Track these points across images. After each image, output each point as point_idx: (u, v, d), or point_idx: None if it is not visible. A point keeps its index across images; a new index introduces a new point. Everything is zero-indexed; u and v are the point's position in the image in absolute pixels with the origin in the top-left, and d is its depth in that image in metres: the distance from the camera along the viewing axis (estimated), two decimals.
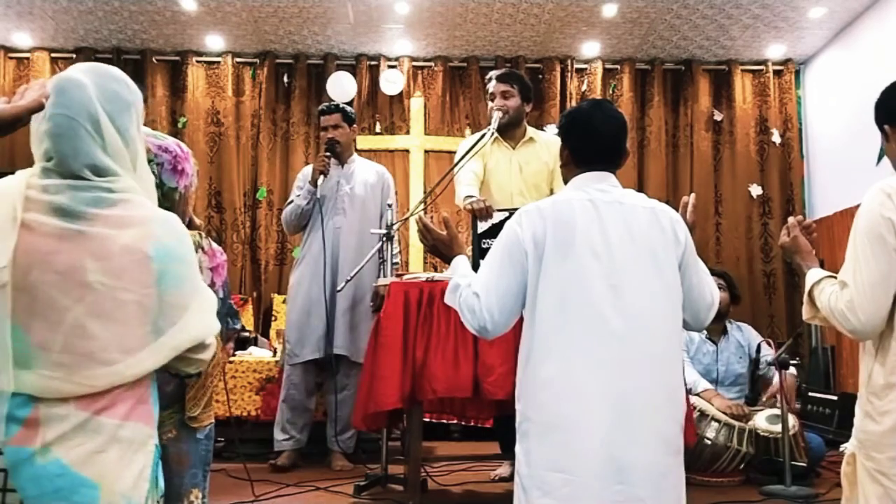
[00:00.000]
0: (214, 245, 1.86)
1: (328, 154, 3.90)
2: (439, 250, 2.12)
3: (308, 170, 4.04)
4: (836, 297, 1.79)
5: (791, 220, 2.08)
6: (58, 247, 1.30)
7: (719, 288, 3.86)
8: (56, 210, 1.32)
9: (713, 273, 3.89)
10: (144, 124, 5.07)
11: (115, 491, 1.28)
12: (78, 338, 1.29)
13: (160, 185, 1.79)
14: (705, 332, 3.89)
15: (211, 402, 1.83)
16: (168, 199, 1.81)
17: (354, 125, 4.10)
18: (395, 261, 3.93)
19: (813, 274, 1.92)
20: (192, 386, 1.75)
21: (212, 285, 1.80)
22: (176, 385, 1.74)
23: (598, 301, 1.77)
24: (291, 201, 3.99)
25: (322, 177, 3.83)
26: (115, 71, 1.51)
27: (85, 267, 1.30)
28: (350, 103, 5.72)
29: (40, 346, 1.28)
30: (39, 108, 1.28)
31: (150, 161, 1.79)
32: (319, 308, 3.82)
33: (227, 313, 1.88)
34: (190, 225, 1.92)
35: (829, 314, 1.81)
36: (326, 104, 4.15)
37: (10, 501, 1.26)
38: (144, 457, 1.35)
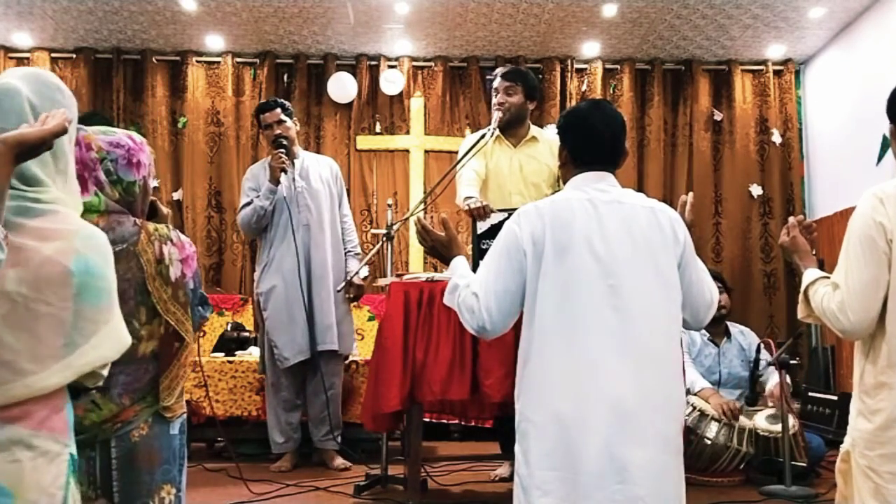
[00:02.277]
0: (183, 236, 1.86)
1: (282, 150, 3.84)
2: (438, 251, 2.12)
3: (255, 169, 4.02)
4: (829, 297, 1.84)
5: (791, 219, 2.10)
6: None
7: (720, 291, 3.88)
8: None
9: (711, 273, 3.90)
10: (144, 125, 5.06)
11: (27, 498, 1.27)
12: None
13: (118, 182, 1.78)
14: (707, 334, 3.89)
15: (183, 392, 1.83)
16: (129, 193, 1.80)
17: (295, 118, 4.06)
18: (355, 251, 4.04)
19: (809, 274, 1.96)
20: (165, 376, 1.75)
21: (182, 276, 1.80)
22: (150, 377, 1.74)
23: (598, 301, 1.77)
24: (247, 204, 3.89)
25: (283, 174, 3.80)
26: (52, 77, 1.48)
27: (5, 276, 1.28)
28: (350, 103, 5.75)
29: None
30: (63, 132, 1.27)
31: (102, 159, 1.78)
32: (299, 308, 3.79)
33: (199, 302, 1.89)
34: (154, 215, 1.92)
35: (822, 314, 1.86)
36: (265, 100, 4.13)
37: None
38: (57, 467, 1.33)
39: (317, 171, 4.01)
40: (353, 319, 4.15)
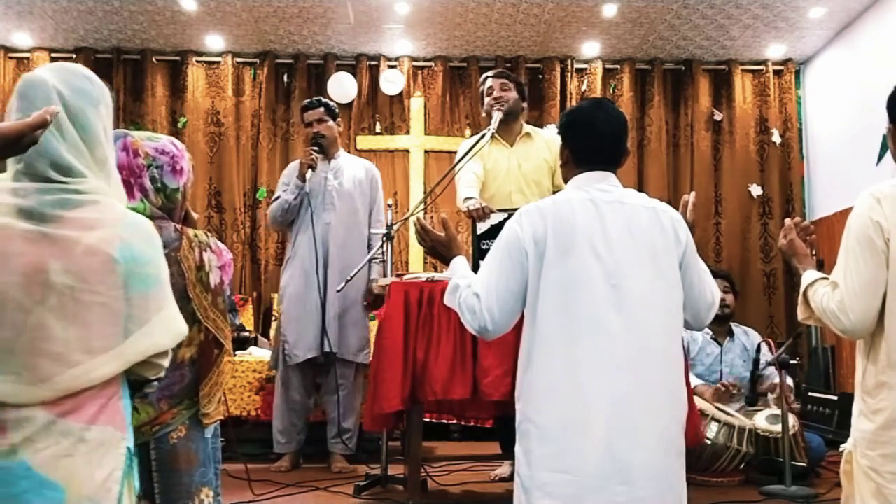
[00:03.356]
0: (220, 244, 1.87)
1: (314, 148, 3.88)
2: (437, 251, 2.12)
3: (293, 166, 4.03)
4: (828, 297, 1.84)
5: (787, 221, 2.10)
6: (22, 249, 1.29)
7: (726, 291, 3.88)
8: (22, 213, 1.32)
9: (716, 273, 3.91)
10: (144, 125, 5.07)
11: (81, 494, 1.27)
12: (41, 340, 1.28)
13: (162, 189, 1.79)
14: (710, 332, 3.90)
15: (221, 398, 1.84)
16: (171, 200, 1.81)
17: (338, 119, 4.09)
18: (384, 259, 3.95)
19: (808, 276, 1.97)
20: (205, 383, 1.76)
21: (221, 283, 1.81)
22: (188, 382, 1.75)
23: (600, 301, 1.77)
24: (278, 197, 3.95)
25: (310, 171, 3.82)
26: (81, 68, 1.48)
27: (48, 268, 1.29)
28: (350, 103, 5.75)
29: (3, 348, 1.27)
30: (43, 124, 1.27)
31: (148, 166, 1.79)
32: (313, 306, 3.80)
33: (230, 309, 1.89)
34: (187, 219, 1.92)
35: (822, 314, 1.86)
36: (309, 99, 4.14)
37: None
38: (114, 460, 1.33)
39: (352, 172, 4.01)
40: (367, 326, 4.02)
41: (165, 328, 1.41)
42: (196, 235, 1.79)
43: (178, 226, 1.80)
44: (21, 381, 1.26)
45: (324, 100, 4.10)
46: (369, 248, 3.90)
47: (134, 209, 1.73)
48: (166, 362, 1.44)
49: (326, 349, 3.77)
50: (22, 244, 1.29)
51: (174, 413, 1.72)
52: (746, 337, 3.98)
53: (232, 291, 1.89)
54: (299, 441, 3.86)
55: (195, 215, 2.00)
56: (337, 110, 4.11)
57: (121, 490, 1.33)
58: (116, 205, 1.42)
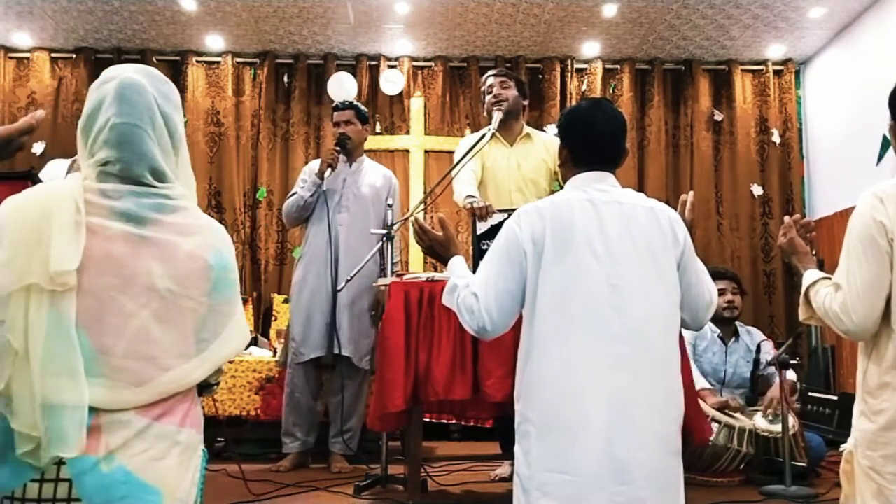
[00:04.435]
0: None
1: (338, 148, 3.88)
2: (436, 251, 2.12)
3: (314, 164, 4.01)
4: (830, 298, 1.83)
5: (787, 219, 2.08)
6: (124, 251, 1.30)
7: (734, 292, 3.88)
8: (121, 214, 1.32)
9: (724, 274, 3.88)
10: None
11: (176, 497, 1.29)
12: (141, 343, 1.29)
13: None
14: (718, 330, 3.90)
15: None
16: None
17: (367, 125, 4.08)
18: (394, 260, 3.93)
19: (809, 275, 1.95)
20: None
21: None
22: None
23: (598, 301, 1.77)
24: (294, 193, 3.94)
25: (329, 170, 3.80)
26: (160, 74, 1.52)
27: (152, 272, 1.30)
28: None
29: (102, 350, 1.27)
30: (30, 129, 1.27)
31: None
32: (323, 305, 3.80)
33: None
34: None
35: (824, 315, 1.85)
36: (341, 101, 4.14)
37: None
38: (196, 461, 1.36)
39: (371, 178, 4.00)
40: (373, 331, 3.93)
41: (242, 333, 1.45)
42: None
43: None
44: (117, 385, 1.27)
45: (355, 102, 4.10)
46: (381, 254, 3.89)
47: None
48: (225, 366, 1.49)
49: (335, 351, 3.77)
50: (123, 246, 1.30)
51: None
52: (750, 337, 3.98)
53: None
54: (305, 442, 3.84)
55: None
56: (367, 114, 4.09)
57: (197, 493, 1.36)
58: (199, 210, 1.45)
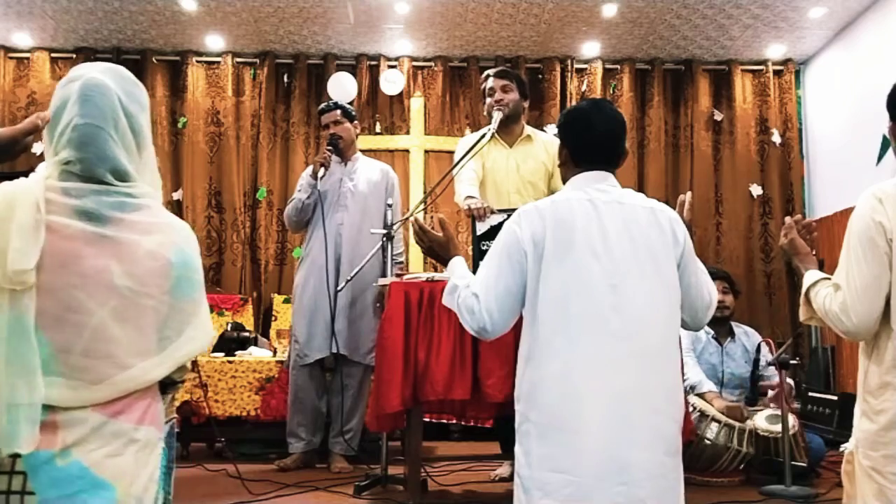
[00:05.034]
0: None
1: (330, 148, 3.90)
2: (435, 252, 2.12)
3: (311, 168, 4.04)
4: (830, 299, 1.83)
5: (788, 220, 2.08)
6: (83, 250, 1.30)
7: (725, 291, 3.88)
8: (81, 213, 1.32)
9: (715, 274, 3.89)
10: None
11: (130, 493, 1.30)
12: (100, 341, 1.30)
13: None
14: (712, 332, 3.90)
15: (173, 398, 1.85)
16: None
17: (356, 122, 4.10)
18: (399, 260, 3.93)
19: (810, 276, 1.95)
20: None
21: None
22: None
23: (599, 301, 1.77)
24: (294, 198, 3.98)
25: (323, 169, 3.82)
26: (126, 71, 1.52)
27: (111, 270, 1.31)
28: (350, 103, 5.73)
29: (61, 349, 1.28)
30: (34, 129, 1.27)
31: None
32: (324, 306, 3.81)
33: None
34: None
35: (824, 316, 1.85)
36: (326, 103, 4.15)
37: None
38: (155, 459, 1.37)
39: (367, 175, 4.01)
40: (376, 327, 3.99)
41: (206, 331, 1.45)
42: None
43: None
44: (75, 383, 1.27)
45: (340, 102, 4.12)
46: (384, 250, 3.91)
47: None
48: (189, 364, 1.48)
49: (334, 350, 3.77)
50: (83, 245, 1.31)
51: None
52: (747, 337, 3.98)
53: None
54: (310, 442, 3.84)
55: None
56: (354, 112, 4.11)
57: (157, 490, 1.37)
58: (163, 209, 1.45)
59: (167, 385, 1.48)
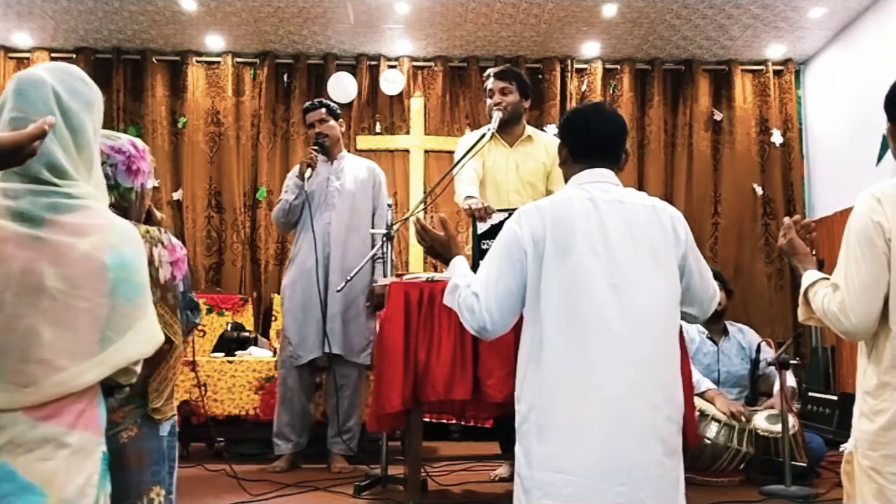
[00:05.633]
0: (174, 239, 1.86)
1: (316, 147, 3.89)
2: (437, 251, 2.13)
3: (297, 169, 4.04)
4: (829, 299, 1.83)
5: (786, 220, 2.08)
6: (14, 252, 1.28)
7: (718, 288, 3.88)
8: (15, 215, 1.30)
9: None
10: (144, 125, 5.05)
11: (61, 498, 1.27)
12: (31, 344, 1.27)
13: (115, 187, 1.78)
14: (706, 332, 3.89)
15: (173, 394, 1.83)
16: (125, 199, 1.80)
17: (340, 120, 4.09)
18: (383, 258, 3.94)
19: (809, 276, 1.96)
20: (154, 378, 1.75)
21: (172, 279, 1.80)
22: (138, 381, 1.74)
23: (600, 300, 1.77)
24: (281, 199, 3.97)
25: (309, 170, 3.82)
26: (77, 70, 1.48)
27: (42, 272, 1.29)
28: (350, 103, 5.75)
29: None
30: (42, 135, 1.26)
31: (103, 163, 1.78)
32: (315, 306, 3.80)
33: (186, 306, 1.88)
34: (150, 219, 1.92)
35: (823, 316, 1.85)
36: (310, 101, 4.15)
37: None
38: (92, 464, 1.33)
39: (354, 172, 4.00)
40: (370, 326, 3.95)
41: (148, 336, 1.42)
42: (147, 231, 1.79)
43: (131, 223, 1.79)
44: (7, 385, 1.26)
45: (325, 101, 4.11)
46: (373, 248, 3.89)
47: None
48: (139, 368, 1.44)
49: (327, 350, 3.77)
50: (14, 248, 1.29)
51: (124, 412, 1.71)
52: (742, 335, 3.98)
53: (188, 288, 1.88)
54: (298, 444, 3.84)
55: (160, 214, 1.99)
56: (339, 111, 4.11)
57: (98, 494, 1.33)
58: (105, 210, 1.41)
59: (113, 388, 1.45)
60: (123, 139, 1.85)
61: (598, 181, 1.92)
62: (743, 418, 3.50)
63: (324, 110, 3.98)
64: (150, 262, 1.75)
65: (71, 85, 1.42)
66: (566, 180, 2.01)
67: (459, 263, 2.03)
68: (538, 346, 1.80)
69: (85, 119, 1.42)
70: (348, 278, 3.48)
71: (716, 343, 3.90)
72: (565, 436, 1.73)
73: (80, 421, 1.32)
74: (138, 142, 1.89)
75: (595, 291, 1.77)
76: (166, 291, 1.78)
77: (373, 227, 3.94)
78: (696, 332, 3.87)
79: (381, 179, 4.07)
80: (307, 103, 4.13)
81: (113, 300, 1.35)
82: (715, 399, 3.59)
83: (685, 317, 1.98)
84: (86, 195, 1.38)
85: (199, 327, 4.41)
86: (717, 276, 3.94)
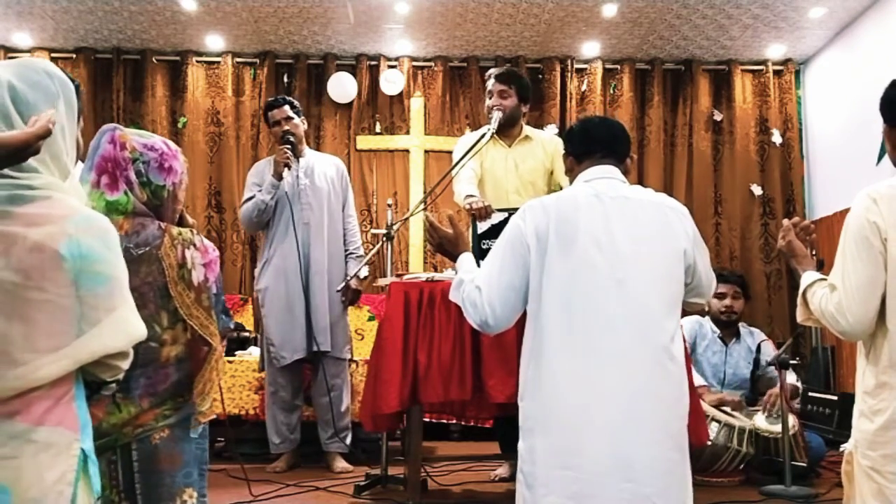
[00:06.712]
0: (206, 241, 1.85)
1: (288, 147, 3.85)
2: (445, 249, 2.15)
3: (260, 166, 4.03)
4: (826, 299, 1.84)
5: (786, 222, 2.10)
6: None
7: (735, 297, 3.90)
8: None
9: (727, 278, 3.89)
10: (144, 125, 5.06)
11: (28, 496, 1.23)
12: None
13: (147, 184, 1.78)
14: (718, 331, 3.91)
15: (214, 396, 1.83)
16: (157, 196, 1.80)
17: (302, 117, 4.07)
18: (358, 253, 4.00)
19: (807, 277, 1.97)
20: (199, 381, 1.75)
21: (205, 281, 1.79)
22: (172, 382, 1.74)
23: (604, 296, 1.78)
24: (249, 199, 3.89)
25: (287, 169, 3.81)
26: (43, 63, 1.45)
27: None
28: (350, 103, 5.75)
29: None
30: (47, 134, 1.25)
31: (135, 160, 1.78)
32: (299, 306, 3.79)
33: (221, 310, 1.88)
34: (182, 222, 1.92)
35: (821, 316, 1.86)
36: (273, 98, 4.13)
37: None
38: (66, 461, 1.29)
39: (322, 169, 4.00)
40: (349, 322, 4.07)
41: (117, 329, 1.36)
42: (180, 233, 1.78)
43: (163, 224, 1.78)
44: None
45: (288, 98, 4.09)
46: (345, 243, 3.97)
47: (117, 202, 1.73)
48: (125, 364, 1.41)
49: (315, 349, 3.76)
50: None
51: (156, 413, 1.69)
52: (752, 337, 3.99)
53: (221, 291, 1.87)
54: (293, 441, 3.85)
55: (191, 221, 1.97)
56: (300, 107, 4.09)
57: (74, 492, 1.29)
58: (69, 200, 1.37)
59: (100, 385, 1.42)
60: (156, 138, 1.86)
61: (604, 177, 1.93)
62: (729, 408, 3.52)
63: (288, 107, 3.95)
64: (182, 265, 1.75)
65: (30, 78, 1.39)
66: (572, 182, 2.04)
67: (466, 260, 2.06)
68: (542, 341, 1.80)
69: (42, 111, 1.37)
70: (348, 278, 3.47)
71: (725, 344, 3.91)
72: (570, 432, 1.73)
73: (50, 416, 1.29)
74: (171, 143, 1.89)
75: (598, 287, 1.78)
76: (200, 293, 1.77)
77: (344, 221, 3.99)
78: (709, 329, 3.90)
79: (346, 175, 4.13)
80: (270, 99, 4.13)
81: (79, 291, 1.31)
82: (703, 395, 3.61)
83: (689, 307, 2.00)
84: (46, 185, 1.35)
85: None
86: (737, 282, 3.98)
